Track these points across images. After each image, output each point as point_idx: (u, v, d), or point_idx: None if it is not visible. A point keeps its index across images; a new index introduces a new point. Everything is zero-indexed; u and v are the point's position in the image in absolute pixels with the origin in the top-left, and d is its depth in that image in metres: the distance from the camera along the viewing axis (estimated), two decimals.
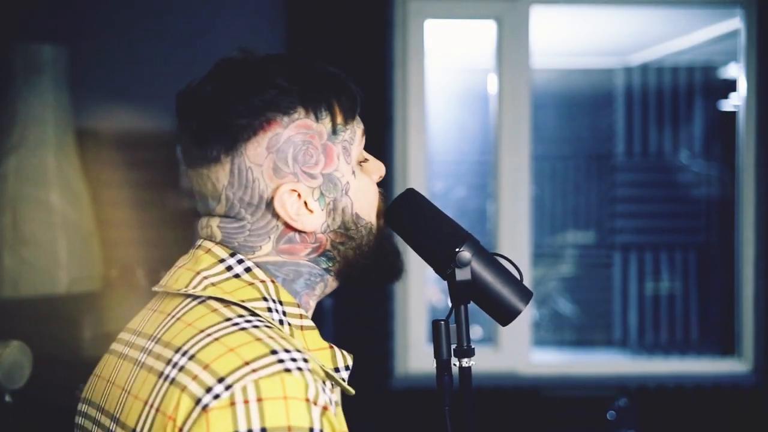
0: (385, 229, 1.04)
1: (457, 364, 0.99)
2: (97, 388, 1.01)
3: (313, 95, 0.96)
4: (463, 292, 0.98)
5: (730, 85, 3.83)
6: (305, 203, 0.96)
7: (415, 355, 3.13)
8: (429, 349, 3.09)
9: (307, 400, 0.84)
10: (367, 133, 1.07)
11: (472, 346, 0.99)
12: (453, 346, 0.99)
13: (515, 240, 3.15)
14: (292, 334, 0.95)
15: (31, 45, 2.62)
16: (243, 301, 0.93)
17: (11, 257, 2.52)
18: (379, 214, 1.03)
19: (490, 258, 1.00)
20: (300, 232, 0.97)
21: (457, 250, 0.99)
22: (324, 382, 0.90)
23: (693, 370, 3.25)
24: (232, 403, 0.82)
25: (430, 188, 3.30)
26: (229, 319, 0.91)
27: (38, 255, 2.52)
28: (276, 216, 0.96)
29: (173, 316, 0.95)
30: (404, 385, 3.07)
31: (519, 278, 1.01)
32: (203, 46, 3.02)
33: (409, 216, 1.04)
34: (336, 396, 0.93)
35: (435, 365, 1.00)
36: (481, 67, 4.07)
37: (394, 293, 3.09)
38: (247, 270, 0.96)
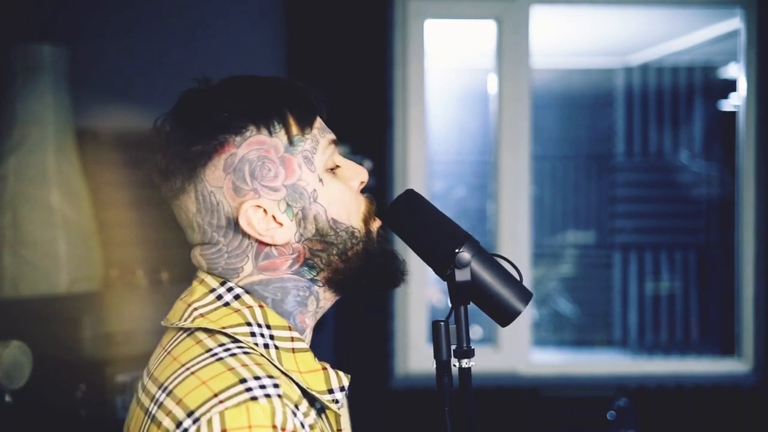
0: (378, 233, 1.03)
1: (457, 364, 0.99)
2: None
3: (262, 110, 0.96)
4: (462, 293, 0.98)
5: (730, 85, 3.83)
6: (273, 217, 0.96)
7: (415, 356, 3.13)
8: (429, 350, 3.08)
9: (274, 426, 0.85)
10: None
11: (472, 347, 0.99)
12: (453, 347, 0.99)
13: (515, 240, 3.15)
14: (280, 358, 0.95)
15: (31, 45, 2.62)
16: (224, 328, 0.94)
17: (11, 257, 2.52)
18: (368, 218, 1.02)
19: (489, 259, 1.00)
20: (275, 245, 0.97)
21: (456, 250, 0.99)
22: (297, 406, 0.90)
23: (693, 370, 3.25)
24: None
25: (430, 188, 3.30)
26: (209, 350, 0.93)
27: (38, 255, 2.52)
28: (247, 235, 0.97)
29: (166, 350, 0.98)
30: (404, 385, 3.07)
31: (519, 279, 1.01)
32: (203, 46, 3.02)
33: (408, 217, 1.04)
34: (310, 419, 0.92)
35: (435, 366, 1.00)
36: (481, 67, 4.07)
37: (394, 293, 3.09)
38: (237, 297, 0.98)
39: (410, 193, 1.05)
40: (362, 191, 1.05)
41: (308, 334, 1.03)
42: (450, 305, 1.00)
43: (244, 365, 0.90)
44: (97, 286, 2.63)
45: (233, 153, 0.95)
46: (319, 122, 1.02)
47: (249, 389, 0.87)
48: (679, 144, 4.84)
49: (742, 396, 3.08)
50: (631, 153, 4.82)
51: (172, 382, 0.91)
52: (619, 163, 4.85)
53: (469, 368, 0.99)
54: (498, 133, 3.17)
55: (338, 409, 0.99)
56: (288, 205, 0.97)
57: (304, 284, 1.00)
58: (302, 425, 0.89)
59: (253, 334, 0.95)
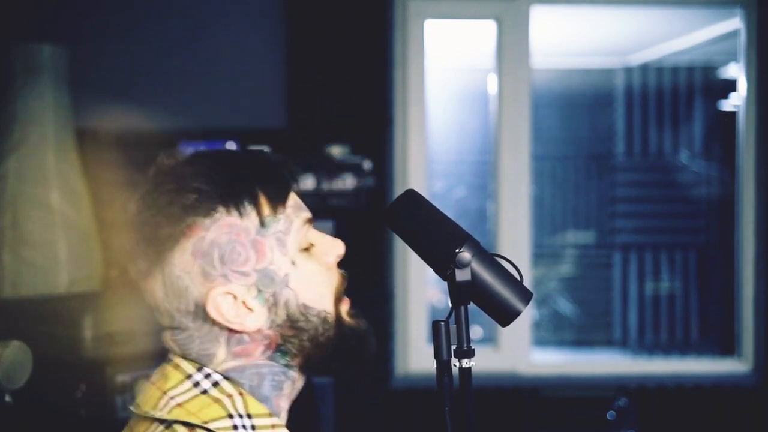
0: (349, 313, 1.01)
1: (458, 364, 0.99)
2: None
3: (233, 191, 0.92)
4: (463, 293, 0.98)
5: (730, 85, 3.83)
6: (244, 303, 0.92)
7: (415, 356, 3.13)
8: (429, 350, 3.08)
9: None
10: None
11: (473, 347, 0.99)
12: (453, 347, 0.99)
13: (515, 240, 3.15)
14: None
15: (31, 45, 2.61)
16: (206, 423, 0.90)
17: (11, 257, 2.52)
18: (339, 299, 0.99)
19: (490, 259, 1.00)
20: (246, 332, 0.94)
21: (456, 250, 0.98)
22: None
23: (693, 370, 3.25)
24: None
25: (430, 188, 3.30)
26: None
27: (38, 255, 2.52)
28: (216, 321, 0.93)
29: None
30: (404, 385, 3.07)
31: (519, 279, 1.01)
32: (203, 47, 3.02)
33: (408, 217, 1.03)
34: None
35: (435, 366, 1.00)
36: (481, 67, 4.07)
37: (394, 293, 3.09)
38: (215, 384, 0.94)
39: (410, 193, 1.05)
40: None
41: (284, 417, 1.00)
42: (450, 305, 1.00)
43: None
44: (97, 286, 2.63)
45: (202, 236, 0.91)
46: (293, 199, 0.97)
47: None
48: (679, 144, 4.84)
49: (742, 396, 3.08)
50: (631, 153, 4.82)
51: None
52: (619, 163, 4.85)
53: (470, 368, 0.99)
54: (498, 133, 3.17)
55: None
56: (259, 290, 0.93)
57: (280, 370, 0.97)
58: None
59: (235, 427, 0.91)
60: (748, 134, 3.19)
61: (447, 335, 0.99)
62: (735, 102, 3.37)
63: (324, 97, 2.95)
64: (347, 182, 2.85)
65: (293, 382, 0.99)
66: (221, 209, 0.91)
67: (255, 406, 0.94)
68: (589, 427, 2.87)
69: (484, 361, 3.12)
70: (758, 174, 3.17)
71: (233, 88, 3.05)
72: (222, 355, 0.95)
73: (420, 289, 3.15)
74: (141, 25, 3.02)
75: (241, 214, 0.92)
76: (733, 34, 3.39)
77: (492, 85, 3.27)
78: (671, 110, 4.81)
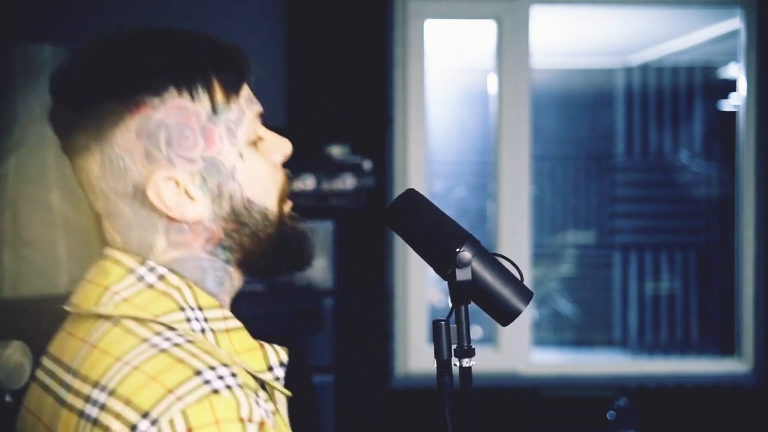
0: (290, 214, 0.96)
1: (458, 364, 0.99)
2: (28, 424, 0.94)
3: (187, 72, 0.86)
4: (463, 293, 0.98)
5: (730, 85, 3.83)
6: (186, 191, 0.87)
7: (415, 356, 3.13)
8: (429, 350, 3.09)
9: (241, 419, 0.78)
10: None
11: (473, 346, 0.99)
12: (453, 347, 0.99)
13: (515, 240, 3.15)
14: (217, 341, 0.88)
15: (31, 45, 2.62)
16: (157, 316, 0.85)
17: (11, 257, 2.52)
18: (282, 199, 0.94)
19: (490, 258, 1.00)
20: (186, 222, 0.88)
21: (457, 250, 0.98)
22: (257, 393, 0.83)
23: (693, 370, 3.25)
24: None
25: (430, 188, 3.31)
26: (146, 341, 0.83)
27: (38, 255, 2.52)
28: (155, 207, 0.87)
29: (88, 343, 0.86)
30: (404, 385, 3.07)
31: (519, 278, 1.01)
32: None
33: (409, 216, 1.03)
34: (270, 405, 0.85)
35: (435, 365, 1.00)
36: (481, 67, 4.07)
37: (394, 293, 3.10)
38: (161, 278, 0.88)
39: (411, 193, 1.05)
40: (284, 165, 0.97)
41: None
42: (450, 305, 1.00)
43: (193, 355, 0.81)
44: None
45: (149, 116, 0.85)
46: (246, 90, 0.92)
47: (207, 381, 0.79)
48: (679, 144, 4.84)
49: (742, 396, 3.08)
50: (631, 153, 4.83)
51: (111, 380, 0.81)
52: (619, 163, 4.85)
53: (470, 367, 0.99)
54: (498, 133, 3.17)
55: (282, 386, 0.92)
56: (203, 179, 0.88)
57: (220, 265, 0.92)
58: (267, 413, 0.82)
59: (188, 320, 0.86)
60: (748, 134, 3.19)
61: (447, 335, 0.99)
62: (735, 102, 3.37)
63: (324, 97, 2.95)
64: (347, 182, 2.84)
65: (232, 279, 0.94)
66: (172, 90, 0.86)
67: (204, 298, 0.89)
68: (589, 427, 2.87)
69: (484, 361, 3.12)
70: (758, 174, 3.17)
71: None
72: (162, 245, 0.89)
73: (420, 289, 3.15)
74: (141, 25, 3.01)
75: (193, 98, 0.87)
76: (733, 34, 3.39)
77: (492, 85, 3.27)
78: (671, 110, 4.81)
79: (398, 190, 3.03)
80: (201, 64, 0.87)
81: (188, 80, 0.86)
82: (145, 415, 0.77)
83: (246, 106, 0.91)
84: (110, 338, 0.85)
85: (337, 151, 2.88)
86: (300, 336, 2.73)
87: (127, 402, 0.79)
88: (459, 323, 0.99)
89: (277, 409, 0.92)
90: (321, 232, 2.89)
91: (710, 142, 4.80)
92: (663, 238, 4.82)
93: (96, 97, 0.85)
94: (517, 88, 3.16)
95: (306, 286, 2.88)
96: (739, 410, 3.07)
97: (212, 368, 0.80)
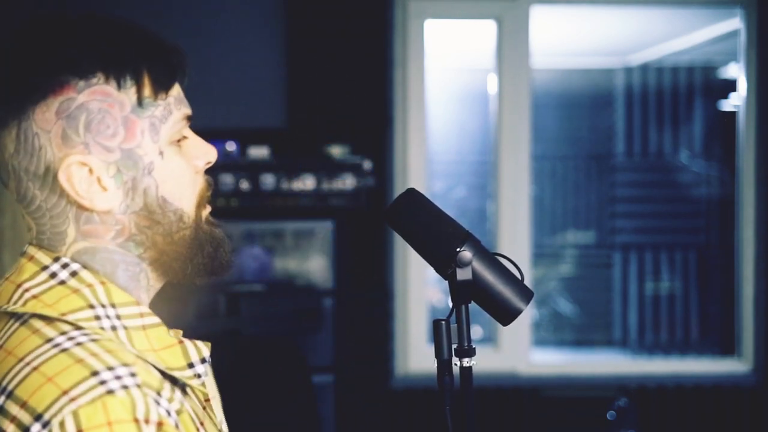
0: (208, 220, 0.94)
1: (458, 363, 0.99)
2: None
3: (116, 60, 0.85)
4: (463, 292, 0.98)
5: (730, 85, 3.83)
6: (99, 179, 0.85)
7: (415, 355, 3.13)
8: (429, 349, 3.09)
9: (136, 420, 0.77)
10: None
11: (473, 346, 0.99)
12: (454, 346, 0.99)
13: (515, 240, 3.15)
14: (131, 339, 0.86)
15: None
16: (64, 314, 0.84)
17: (11, 257, 2.52)
18: (201, 203, 0.93)
19: (490, 258, 1.00)
20: (95, 211, 0.87)
21: (458, 249, 0.98)
22: (159, 393, 0.81)
23: (693, 370, 3.25)
24: None
25: (430, 188, 3.30)
26: (50, 340, 0.81)
27: None
28: (66, 192, 0.86)
29: None
30: (404, 385, 3.07)
31: (520, 278, 1.01)
32: (203, 47, 3.02)
33: (409, 216, 1.03)
34: (176, 404, 0.83)
35: (436, 365, 1.00)
36: (481, 67, 4.07)
37: (394, 293, 3.10)
38: (73, 274, 0.87)
39: (411, 192, 1.05)
40: (208, 171, 0.95)
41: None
42: (451, 304, 1.00)
43: (94, 354, 0.80)
44: None
45: (72, 97, 0.84)
46: (177, 90, 0.91)
47: (103, 382, 0.77)
48: (679, 144, 4.84)
49: (742, 396, 3.08)
50: (631, 153, 4.82)
51: (11, 382, 0.79)
52: (619, 163, 4.85)
53: (470, 367, 0.99)
54: (498, 133, 3.17)
55: (201, 383, 0.91)
56: (118, 170, 0.86)
57: (132, 260, 0.90)
58: (168, 413, 0.80)
59: (98, 318, 0.85)
60: (748, 134, 3.19)
61: (448, 334, 0.99)
62: (735, 102, 3.37)
63: (324, 97, 2.95)
64: (347, 182, 2.84)
65: (147, 277, 0.92)
66: (100, 75, 0.85)
67: (119, 295, 0.87)
68: (589, 427, 2.87)
69: (484, 361, 3.12)
70: (758, 174, 3.17)
71: (233, 88, 3.05)
72: (72, 234, 0.88)
73: (420, 289, 3.15)
74: (141, 25, 3.01)
75: (119, 86, 0.85)
76: (733, 34, 3.39)
77: (492, 85, 3.27)
78: (671, 110, 4.81)
79: (398, 190, 3.03)
80: (134, 55, 0.86)
81: (118, 68, 0.85)
82: (37, 418, 0.76)
83: (174, 106, 0.89)
84: (16, 338, 0.83)
85: (337, 151, 2.88)
86: (300, 336, 2.72)
87: (23, 405, 0.78)
88: (459, 323, 0.99)
89: (202, 407, 0.92)
90: (321, 232, 2.89)
91: (710, 142, 4.80)
92: (663, 238, 4.82)
93: (23, 71, 0.84)
94: (517, 88, 3.16)
95: (306, 286, 2.88)
96: (739, 410, 3.07)
97: (110, 368, 0.79)
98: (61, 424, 0.75)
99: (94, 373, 0.78)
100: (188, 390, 0.91)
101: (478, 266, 0.99)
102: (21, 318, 0.85)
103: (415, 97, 3.13)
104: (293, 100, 2.99)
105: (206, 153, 0.93)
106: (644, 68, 4.81)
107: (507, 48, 3.16)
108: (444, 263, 0.99)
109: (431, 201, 1.05)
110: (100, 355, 0.80)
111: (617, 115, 4.84)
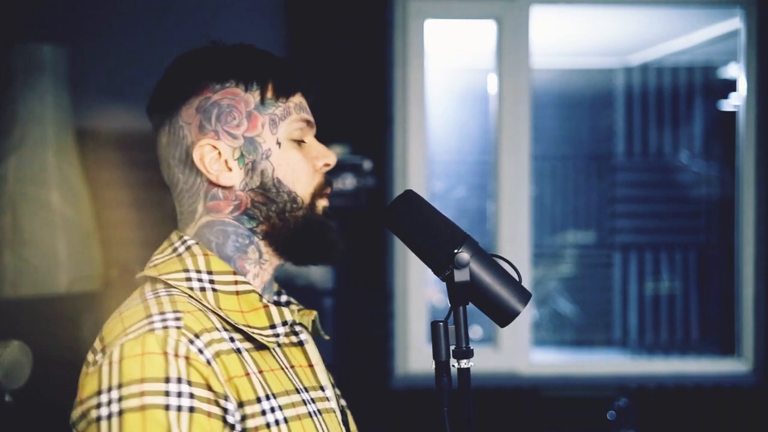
0: (323, 210, 1.10)
1: (456, 365, 0.99)
2: None
3: (246, 69, 1.06)
4: (461, 294, 0.98)
5: (730, 85, 3.83)
6: (225, 161, 1.05)
7: (415, 355, 3.13)
8: (429, 350, 3.08)
9: (165, 353, 0.92)
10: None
11: (471, 348, 0.99)
12: (452, 348, 0.99)
13: (515, 240, 3.15)
14: (217, 299, 1.02)
15: (31, 45, 2.62)
16: (162, 275, 1.03)
17: (11, 257, 2.52)
18: (317, 193, 1.09)
19: (488, 259, 1.00)
20: (220, 187, 1.06)
21: (455, 251, 0.98)
22: (198, 336, 0.95)
23: (693, 370, 3.24)
24: (101, 366, 0.94)
25: (430, 188, 3.30)
26: (142, 294, 1.02)
27: (38, 255, 2.52)
28: (199, 172, 1.06)
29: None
30: (404, 385, 3.07)
31: (518, 279, 1.01)
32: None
33: (407, 218, 1.03)
34: (217, 347, 0.97)
35: (434, 366, 1.00)
36: (481, 67, 4.07)
37: (394, 293, 3.10)
38: (188, 248, 1.06)
39: (409, 194, 1.05)
40: (329, 173, 1.13)
41: (256, 282, 1.09)
42: (449, 305, 1.00)
43: (159, 303, 0.98)
44: (96, 286, 2.63)
45: (208, 96, 1.06)
46: (299, 99, 1.10)
47: (151, 322, 0.95)
48: (679, 144, 4.84)
49: (742, 396, 3.08)
50: (631, 153, 4.82)
51: (106, 326, 1.00)
52: (619, 163, 4.85)
53: (468, 368, 0.99)
54: (498, 133, 3.17)
55: (276, 344, 1.05)
56: (242, 154, 1.05)
57: (244, 232, 1.07)
58: (200, 351, 0.94)
59: (189, 279, 1.03)
60: (748, 134, 3.19)
61: (446, 336, 0.99)
62: (735, 102, 3.37)
63: (323, 97, 2.95)
64: (347, 182, 2.85)
65: (259, 250, 1.08)
66: (232, 81, 1.06)
67: (218, 264, 1.05)
68: (589, 427, 2.88)
69: (484, 361, 3.12)
70: (758, 174, 3.17)
71: None
72: (200, 210, 1.07)
73: (420, 289, 3.15)
74: (141, 25, 3.02)
75: (246, 89, 1.06)
76: (733, 34, 3.39)
77: (492, 85, 3.27)
78: (671, 110, 4.81)
79: (398, 190, 3.03)
80: (261, 67, 1.07)
81: (246, 76, 1.06)
82: (102, 347, 0.96)
83: (293, 110, 1.08)
84: (130, 297, 1.05)
85: (336, 150, 2.88)
86: None
87: (101, 339, 0.98)
88: (457, 324, 0.99)
89: (290, 365, 1.07)
90: None
91: (710, 142, 4.80)
92: (663, 238, 4.82)
93: (177, 81, 1.07)
94: (517, 88, 3.16)
95: (306, 286, 2.88)
96: (739, 410, 3.07)
97: (162, 313, 0.97)
98: (111, 354, 0.94)
99: (148, 316, 0.97)
100: (274, 350, 1.06)
101: (476, 268, 0.99)
102: (144, 283, 1.06)
103: (415, 97, 3.13)
104: None
105: (326, 156, 1.11)
106: (644, 68, 4.81)
107: (507, 48, 3.16)
108: (441, 265, 1.00)
109: (428, 203, 1.05)
110: (163, 303, 0.99)
111: (617, 115, 4.84)
